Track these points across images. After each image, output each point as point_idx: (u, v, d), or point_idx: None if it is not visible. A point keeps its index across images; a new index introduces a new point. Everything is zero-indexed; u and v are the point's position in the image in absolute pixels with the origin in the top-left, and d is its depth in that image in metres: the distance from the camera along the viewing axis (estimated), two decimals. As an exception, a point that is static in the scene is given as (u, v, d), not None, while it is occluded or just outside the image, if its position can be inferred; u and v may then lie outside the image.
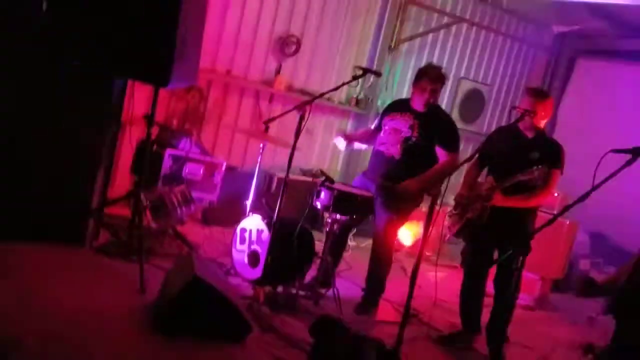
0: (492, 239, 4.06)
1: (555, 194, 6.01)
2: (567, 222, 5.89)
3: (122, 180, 5.49)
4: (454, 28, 7.70)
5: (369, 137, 4.80)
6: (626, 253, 6.43)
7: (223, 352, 3.29)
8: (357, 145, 4.90)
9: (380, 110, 5.15)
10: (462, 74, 7.98)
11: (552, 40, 8.53)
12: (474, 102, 8.09)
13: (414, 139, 4.38)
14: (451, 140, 4.42)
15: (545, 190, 3.94)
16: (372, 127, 4.78)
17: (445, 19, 7.57)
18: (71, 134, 4.08)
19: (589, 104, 7.91)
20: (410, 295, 3.37)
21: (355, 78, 4.37)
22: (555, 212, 5.90)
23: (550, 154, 3.93)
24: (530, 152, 3.94)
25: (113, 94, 4.25)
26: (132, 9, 3.63)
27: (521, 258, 3.02)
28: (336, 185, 4.29)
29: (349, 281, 4.93)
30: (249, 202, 4.83)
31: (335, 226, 4.37)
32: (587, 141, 6.77)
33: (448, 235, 4.30)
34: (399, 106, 4.60)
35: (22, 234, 3.92)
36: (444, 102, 7.51)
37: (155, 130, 5.16)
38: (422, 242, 3.32)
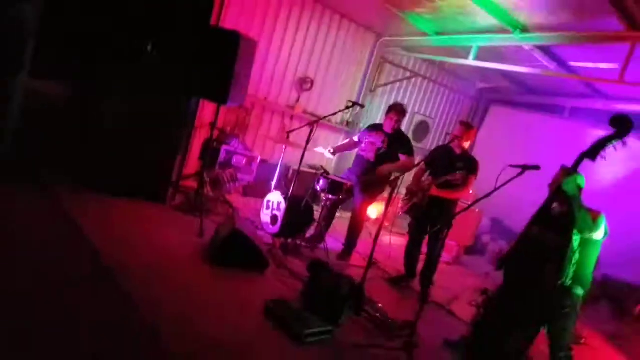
0: (428, 217, 4.04)
1: (471, 192, 5.98)
2: (477, 210, 5.89)
3: (193, 163, 5.44)
4: (413, 80, 7.63)
5: (352, 145, 4.74)
6: (514, 233, 6.44)
7: (251, 278, 3.29)
8: (341, 153, 4.84)
9: (362, 129, 5.11)
10: (416, 109, 7.91)
11: (476, 92, 8.45)
12: (422, 129, 8.03)
13: (383, 149, 4.34)
14: (408, 149, 4.36)
15: (464, 188, 3.91)
16: (355, 139, 4.72)
17: (408, 74, 7.51)
18: (164, 132, 4.05)
19: (496, 136, 7.85)
20: (372, 251, 3.36)
21: (347, 108, 4.35)
22: (468, 203, 5.93)
23: (469, 165, 3.89)
24: (457, 162, 3.91)
25: (190, 107, 4.21)
26: (209, 54, 3.59)
27: (445, 231, 3.01)
28: (331, 176, 4.27)
29: (335, 239, 4.91)
30: (273, 183, 4.80)
31: (329, 203, 4.34)
32: (494, 160, 6.73)
33: (400, 213, 4.28)
34: (375, 128, 4.53)
35: (123, 193, 3.91)
36: (404, 126, 7.43)
37: (216, 133, 5.12)
38: (383, 216, 3.30)
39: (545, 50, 5.13)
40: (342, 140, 7.14)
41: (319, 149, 4.67)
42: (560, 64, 5.32)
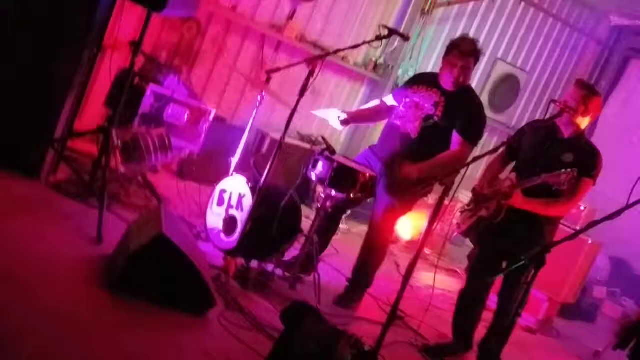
0: (504, 245, 4.08)
1: (582, 207, 6.04)
2: (589, 241, 5.92)
3: (93, 112, 5.46)
4: (500, 0, 7.65)
5: (381, 112, 4.80)
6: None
7: (178, 323, 3.30)
8: (359, 124, 4.89)
9: (400, 81, 5.12)
10: (500, 54, 7.94)
11: (608, 33, 8.47)
12: (507, 89, 8.07)
13: (436, 118, 4.37)
14: (473, 129, 4.41)
15: (571, 199, 3.95)
16: (388, 100, 4.75)
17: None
18: (43, 49, 4.03)
19: (636, 112, 7.89)
20: (400, 295, 3.39)
21: (379, 38, 4.32)
22: (578, 227, 5.97)
23: (585, 159, 3.92)
24: (563, 153, 3.95)
25: (98, 10, 4.19)
26: None
27: (533, 271, 3.05)
28: (337, 157, 4.28)
29: (334, 268, 4.95)
30: (234, 161, 4.81)
31: (329, 203, 4.35)
32: (628, 154, 6.79)
33: (455, 233, 4.32)
34: (426, 80, 4.58)
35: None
36: (474, 83, 7.46)
37: (140, 61, 5.10)
38: (424, 236, 3.33)
39: None
40: (362, 100, 7.22)
41: (321, 112, 4.68)
42: None
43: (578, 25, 8.27)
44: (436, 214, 3.31)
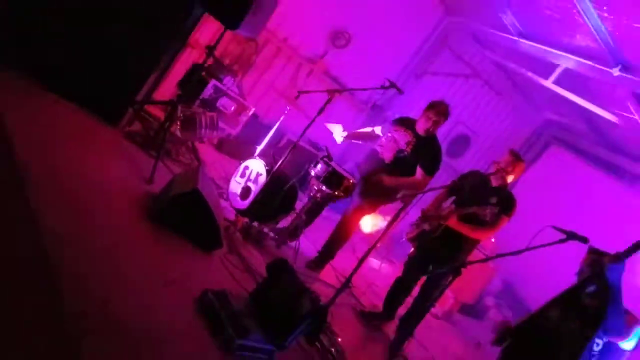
0: (435, 253, 4.06)
1: (492, 239, 6.04)
2: (491, 265, 5.92)
3: (168, 89, 5.38)
4: (470, 80, 7.62)
5: (371, 137, 4.74)
6: (524, 305, 6.52)
7: (194, 254, 3.26)
8: (353, 142, 4.85)
9: (388, 120, 5.08)
10: (462, 118, 7.90)
11: (541, 122, 8.44)
12: (462, 143, 8.05)
13: (405, 153, 4.34)
14: (431, 166, 4.36)
15: (491, 228, 3.91)
16: (377, 131, 4.70)
17: (468, 71, 7.48)
18: (148, 34, 3.93)
19: (546, 181, 7.86)
20: (353, 271, 3.37)
21: (382, 87, 4.28)
22: (487, 253, 5.98)
23: (506, 201, 3.90)
24: (490, 196, 3.92)
25: (190, 19, 4.12)
26: None
27: (451, 278, 3.03)
28: (333, 164, 4.25)
29: (311, 241, 4.92)
30: (259, 148, 4.77)
31: (319, 195, 4.33)
32: (531, 210, 6.77)
33: (404, 238, 4.29)
34: (406, 123, 4.52)
35: (75, 98, 3.81)
36: (440, 134, 7.44)
37: (209, 61, 5.04)
38: (381, 234, 3.29)
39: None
40: (360, 125, 7.16)
41: (331, 126, 4.64)
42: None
43: (520, 108, 8.23)
44: (395, 219, 3.27)
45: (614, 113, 5.50)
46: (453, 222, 3.93)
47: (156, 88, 4.57)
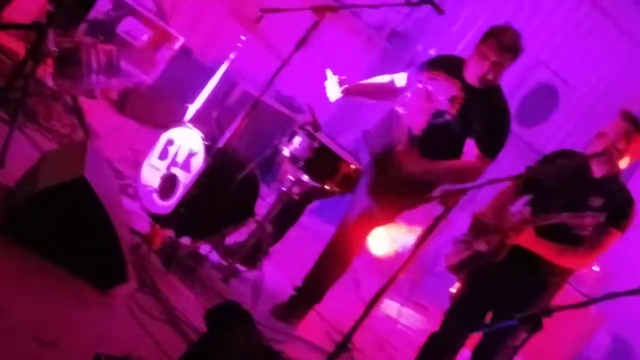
0: (497, 292, 4.09)
1: (595, 268, 6.09)
2: (593, 312, 5.97)
3: (31, 3, 5.30)
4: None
5: (385, 91, 4.81)
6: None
7: (76, 293, 3.21)
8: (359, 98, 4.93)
9: (417, 61, 5.10)
10: (543, 57, 7.97)
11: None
12: (542, 100, 8.12)
13: (448, 117, 4.36)
14: (494, 140, 4.41)
15: (593, 249, 3.92)
16: (399, 80, 4.75)
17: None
18: None
19: None
20: (356, 325, 3.37)
21: (409, 3, 4.29)
22: (585, 291, 6.02)
23: (617, 205, 3.90)
24: (592, 196, 3.93)
25: None
26: None
27: (526, 335, 3.05)
28: (320, 136, 4.26)
29: (282, 270, 4.93)
30: (192, 108, 4.74)
31: (296, 189, 4.35)
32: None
33: (443, 265, 4.31)
34: (449, 65, 4.55)
35: None
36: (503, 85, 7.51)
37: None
38: (407, 260, 3.29)
39: None
40: (369, 71, 7.19)
41: (330, 84, 4.59)
42: None
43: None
44: (425, 238, 3.27)
45: None
46: (528, 239, 3.94)
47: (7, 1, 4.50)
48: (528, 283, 4.02)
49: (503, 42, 4.30)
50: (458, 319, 4.28)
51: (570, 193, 4.01)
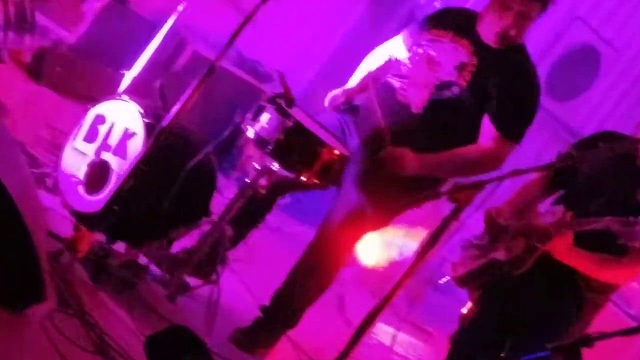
0: (517, 313, 4.10)
1: (646, 282, 6.14)
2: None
3: None
4: None
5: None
6: None
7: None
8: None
9: (419, 15, 5.13)
10: (580, 13, 8.02)
11: None
12: (579, 68, 8.19)
13: (456, 90, 4.40)
14: (518, 118, 4.46)
15: (636, 262, 3.96)
16: (394, 54, 4.81)
17: None
18: None
19: None
20: (342, 356, 3.38)
21: None
22: (633, 310, 6.07)
23: None
24: (638, 190, 3.98)
25: None
26: None
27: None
28: (295, 112, 4.27)
29: (242, 282, 4.94)
30: (129, 75, 4.73)
31: (263, 181, 4.35)
32: None
33: (447, 276, 4.33)
34: (457, 21, 4.61)
35: None
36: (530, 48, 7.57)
37: None
38: (407, 272, 3.30)
39: None
40: (354, 30, 7.23)
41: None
42: None
43: None
44: (431, 244, 3.28)
45: None
46: (564, 247, 3.96)
47: None
48: (559, 301, 4.05)
49: None
50: (469, 348, 4.31)
51: (615, 188, 4.05)
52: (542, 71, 7.70)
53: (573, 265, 3.97)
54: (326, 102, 4.69)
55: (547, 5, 4.37)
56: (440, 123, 4.42)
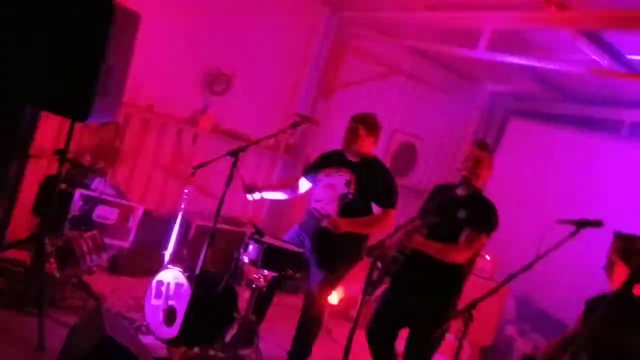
0: (408, 302, 4.00)
1: (487, 257, 6.18)
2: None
3: (21, 222, 5.22)
4: (389, 79, 7.94)
5: (290, 188, 4.88)
6: (552, 320, 6.64)
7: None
8: (271, 195, 4.95)
9: (311, 159, 5.18)
10: (396, 125, 8.20)
11: (486, 99, 8.90)
12: (407, 155, 8.39)
13: (350, 196, 4.42)
14: (387, 195, 4.44)
15: (464, 249, 3.84)
16: (302, 185, 4.81)
17: (382, 69, 7.79)
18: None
19: (519, 165, 7.87)
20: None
21: (294, 126, 4.41)
22: (487, 275, 6.12)
23: (478, 214, 3.87)
24: (458, 210, 3.90)
25: (23, 122, 4.07)
26: (58, 32, 3.38)
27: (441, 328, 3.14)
28: (266, 239, 4.26)
29: (271, 342, 4.86)
30: (167, 252, 4.74)
31: (263, 282, 4.32)
32: (518, 206, 6.95)
33: (372, 296, 4.10)
34: (333, 160, 4.61)
35: None
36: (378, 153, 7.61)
37: (65, 167, 4.98)
38: (360, 306, 3.31)
39: (594, 37, 5.54)
40: (280, 173, 7.32)
41: (256, 196, 4.58)
42: (615, 58, 5.78)
43: (458, 93, 8.60)
44: (368, 283, 3.32)
45: (567, 61, 5.93)
46: (418, 242, 3.89)
47: (6, 227, 4.43)
48: (440, 273, 3.91)
49: (356, 117, 4.45)
50: (384, 313, 4.15)
51: (442, 212, 3.90)
52: (387, 164, 7.84)
53: (429, 251, 3.82)
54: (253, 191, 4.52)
55: (369, 126, 4.43)
56: (351, 215, 4.39)
